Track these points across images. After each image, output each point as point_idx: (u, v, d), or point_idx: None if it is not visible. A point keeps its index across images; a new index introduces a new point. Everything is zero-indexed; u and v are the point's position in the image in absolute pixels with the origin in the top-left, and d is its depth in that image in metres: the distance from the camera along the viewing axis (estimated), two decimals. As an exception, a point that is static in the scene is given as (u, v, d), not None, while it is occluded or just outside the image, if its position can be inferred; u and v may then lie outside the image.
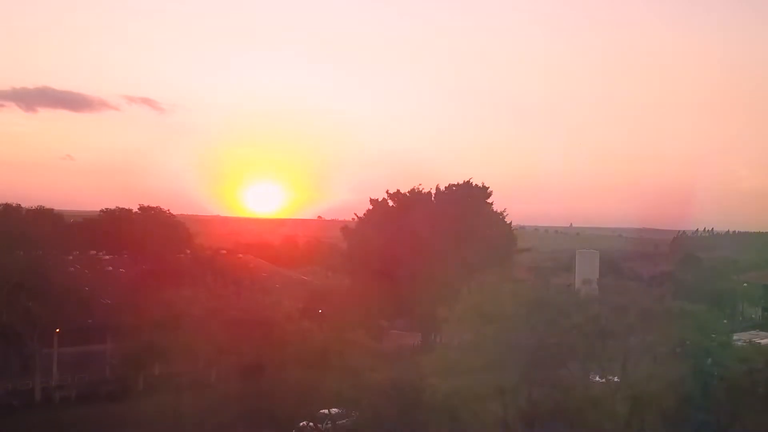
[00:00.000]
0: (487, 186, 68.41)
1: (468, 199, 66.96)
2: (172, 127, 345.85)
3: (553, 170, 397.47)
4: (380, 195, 68.55)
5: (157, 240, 52.49)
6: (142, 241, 52.56)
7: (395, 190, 67.43)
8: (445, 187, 68.19)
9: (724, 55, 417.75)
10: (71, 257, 55.18)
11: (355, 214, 68.89)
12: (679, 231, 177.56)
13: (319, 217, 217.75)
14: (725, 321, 36.80)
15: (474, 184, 68.45)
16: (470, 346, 32.09)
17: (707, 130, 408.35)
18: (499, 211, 68.78)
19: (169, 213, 54.65)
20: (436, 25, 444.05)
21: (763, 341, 39.41)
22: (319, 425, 39.26)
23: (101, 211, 54.28)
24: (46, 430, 41.35)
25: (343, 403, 39.19)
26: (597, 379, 32.04)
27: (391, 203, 67.50)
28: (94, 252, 57.72)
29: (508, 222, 69.48)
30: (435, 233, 62.18)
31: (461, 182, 68.21)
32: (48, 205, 52.80)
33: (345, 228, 69.46)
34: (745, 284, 76.15)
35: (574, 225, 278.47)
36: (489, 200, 68.56)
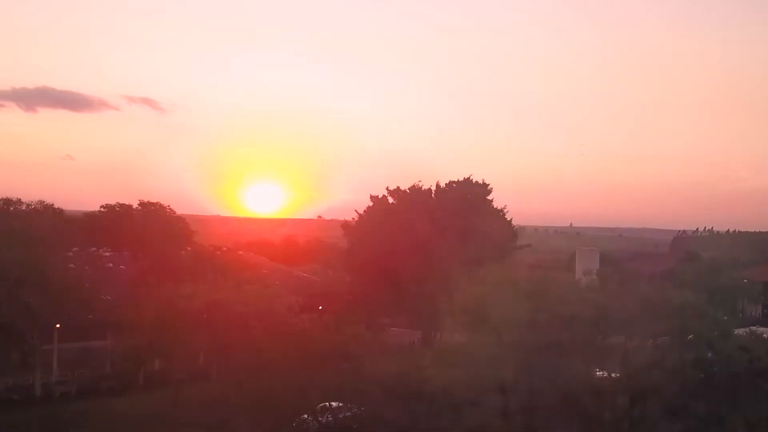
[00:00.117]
0: (487, 183, 68.53)
1: (468, 196, 67.01)
2: (172, 127, 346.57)
3: (553, 170, 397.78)
4: (380, 194, 68.67)
5: (157, 236, 52.41)
6: (142, 238, 52.51)
7: (395, 187, 67.41)
8: (446, 184, 68.28)
9: (724, 55, 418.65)
10: (71, 254, 55.16)
11: (356, 211, 69.01)
12: (679, 231, 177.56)
13: (319, 216, 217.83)
14: (725, 318, 36.57)
15: (474, 181, 68.53)
16: (470, 338, 32.06)
17: (707, 130, 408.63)
18: (499, 207, 68.82)
19: (170, 209, 54.59)
20: (436, 25, 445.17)
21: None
22: (320, 418, 39.33)
23: (101, 206, 54.29)
24: (46, 425, 41.26)
25: (345, 396, 39.28)
26: (598, 372, 32.08)
27: (391, 200, 67.54)
28: (95, 249, 57.76)
29: (508, 219, 69.53)
30: (435, 230, 62.22)
31: (461, 179, 68.24)
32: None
33: (345, 225, 69.50)
34: (745, 280, 76.13)
35: (574, 225, 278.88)
36: (489, 197, 68.62)
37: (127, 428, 39.69)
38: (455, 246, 60.70)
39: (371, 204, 67.94)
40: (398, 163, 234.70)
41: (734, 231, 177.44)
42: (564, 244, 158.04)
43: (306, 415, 39.60)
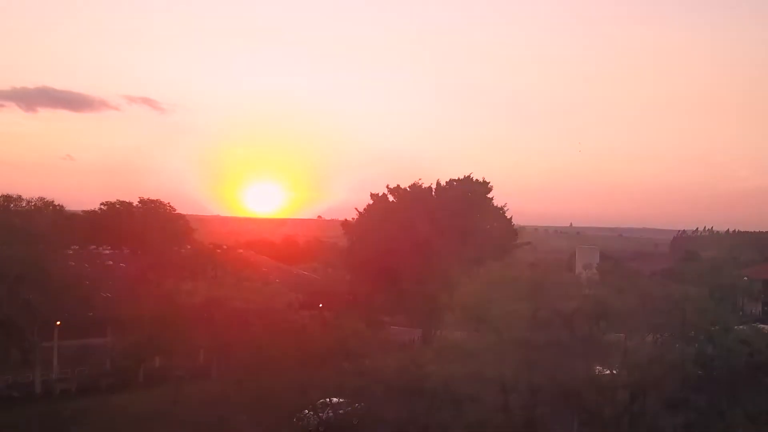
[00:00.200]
0: (487, 181, 68.49)
1: (468, 195, 66.98)
2: (172, 127, 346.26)
3: (553, 170, 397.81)
4: (381, 192, 68.60)
5: (157, 234, 52.41)
6: (142, 235, 52.50)
7: (395, 186, 67.41)
8: (446, 183, 68.27)
9: (724, 55, 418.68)
10: (71, 251, 55.17)
11: (356, 209, 68.98)
12: (679, 230, 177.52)
13: (319, 216, 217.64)
14: (725, 313, 36.52)
15: (474, 179, 68.51)
16: (471, 335, 32.04)
17: (707, 130, 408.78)
18: (499, 206, 68.79)
19: (169, 206, 54.60)
20: (436, 25, 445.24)
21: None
22: (320, 414, 39.30)
23: (101, 203, 54.31)
24: (47, 423, 41.23)
25: (345, 392, 39.26)
26: (600, 369, 32.01)
27: (391, 198, 67.54)
28: (94, 247, 57.76)
29: (508, 217, 69.50)
30: (435, 228, 62.20)
31: (462, 177, 68.22)
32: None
33: (345, 223, 69.46)
34: (745, 278, 76.17)
35: (574, 225, 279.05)
36: (489, 195, 68.59)
37: (128, 425, 39.65)
38: (455, 244, 60.72)
39: (371, 202, 67.91)
40: (398, 163, 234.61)
41: (734, 231, 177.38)
42: (564, 243, 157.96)
43: (306, 411, 39.57)
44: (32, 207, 45.33)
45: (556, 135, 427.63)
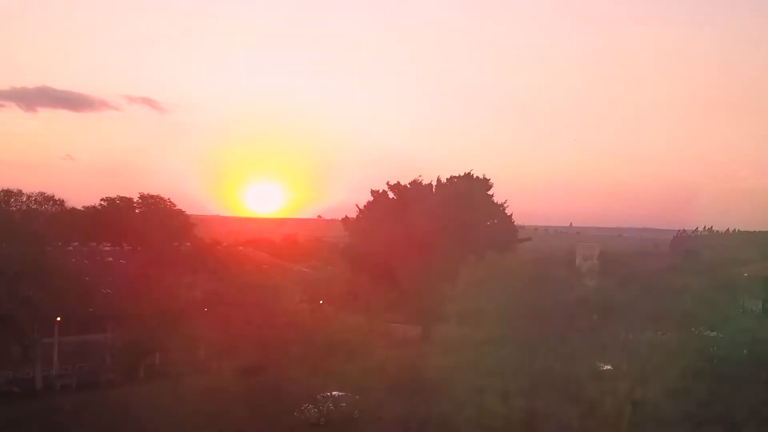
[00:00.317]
0: (488, 178, 68.53)
1: (469, 191, 66.94)
2: (172, 127, 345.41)
3: (553, 170, 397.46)
4: (381, 189, 68.58)
5: (157, 229, 52.36)
6: (142, 231, 52.46)
7: (396, 182, 67.44)
8: (447, 179, 68.29)
9: (724, 55, 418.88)
10: (71, 248, 55.13)
11: (357, 206, 68.93)
12: (679, 230, 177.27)
13: (319, 216, 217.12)
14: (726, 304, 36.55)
15: (475, 176, 68.54)
16: (471, 326, 32.02)
17: (707, 130, 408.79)
18: (499, 203, 68.78)
19: (170, 202, 54.55)
20: (436, 24, 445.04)
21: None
22: (321, 407, 39.35)
23: (102, 199, 54.26)
24: (47, 418, 41.19)
25: (346, 384, 39.32)
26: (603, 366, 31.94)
27: (391, 195, 67.52)
28: (95, 243, 57.71)
29: (508, 214, 69.47)
30: (436, 224, 62.16)
31: (462, 174, 68.27)
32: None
33: (346, 219, 69.39)
34: (745, 275, 76.09)
35: (574, 225, 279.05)
36: (490, 192, 68.62)
37: (128, 419, 39.59)
38: (456, 240, 60.67)
39: (372, 199, 67.89)
40: (398, 163, 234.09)
41: (734, 230, 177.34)
42: (564, 243, 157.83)
43: (307, 404, 39.61)
44: (32, 202, 45.16)
45: (556, 135, 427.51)
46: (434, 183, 68.40)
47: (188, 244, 58.53)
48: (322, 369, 42.08)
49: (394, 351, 43.63)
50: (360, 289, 62.08)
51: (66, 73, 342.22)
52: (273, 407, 40.74)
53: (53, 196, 45.45)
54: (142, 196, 54.25)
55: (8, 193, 44.34)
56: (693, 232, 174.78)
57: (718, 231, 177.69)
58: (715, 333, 31.12)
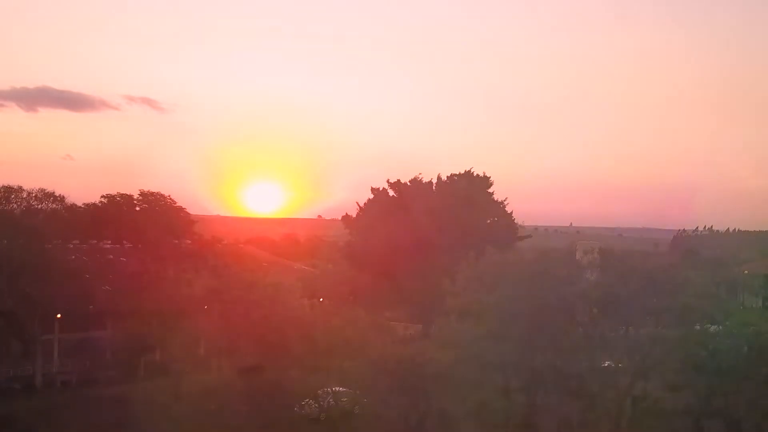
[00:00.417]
0: (488, 176, 68.59)
1: (469, 189, 67.01)
2: (172, 127, 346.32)
3: (553, 169, 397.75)
4: (381, 187, 68.62)
5: (157, 226, 52.34)
6: (143, 228, 52.44)
7: (396, 180, 67.51)
8: (447, 177, 68.37)
9: (724, 55, 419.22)
10: (72, 246, 55.13)
11: (357, 204, 68.98)
12: (679, 230, 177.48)
13: (319, 216, 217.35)
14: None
15: (475, 174, 68.61)
16: (472, 317, 32.00)
17: (707, 130, 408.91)
18: (499, 200, 68.83)
19: (170, 198, 54.52)
20: (436, 24, 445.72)
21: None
22: (321, 402, 39.34)
23: (102, 196, 54.26)
24: (46, 413, 41.28)
25: (346, 379, 39.30)
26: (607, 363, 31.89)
27: (391, 193, 67.60)
28: (95, 241, 57.69)
29: (509, 212, 69.50)
30: (435, 222, 62.24)
31: (462, 172, 68.35)
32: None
33: (346, 217, 69.44)
34: (746, 272, 76.26)
35: (574, 225, 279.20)
36: (490, 190, 68.66)
37: (127, 416, 39.61)
38: (456, 238, 60.73)
39: (372, 197, 67.95)
40: (399, 163, 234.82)
41: (734, 230, 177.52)
42: (564, 242, 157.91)
43: (308, 400, 39.63)
44: (33, 198, 45.20)
45: (556, 134, 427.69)
46: (434, 181, 68.42)
47: (188, 241, 58.50)
48: (323, 365, 42.05)
49: (394, 347, 43.50)
50: (360, 287, 62.07)
51: (66, 73, 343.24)
52: (273, 403, 40.78)
53: (53, 193, 45.46)
54: (142, 193, 54.27)
55: (8, 190, 44.35)
56: (693, 231, 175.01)
57: (718, 231, 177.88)
58: (716, 327, 31.09)
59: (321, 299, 58.54)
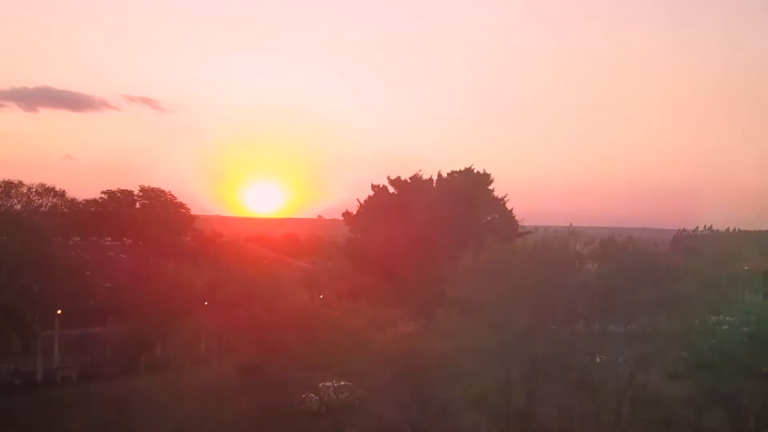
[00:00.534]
0: (488, 173, 68.56)
1: (469, 186, 66.97)
2: (172, 127, 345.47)
3: (553, 169, 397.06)
4: (381, 185, 68.57)
5: (158, 223, 52.35)
6: (143, 224, 52.44)
7: (396, 177, 67.44)
8: (447, 174, 68.33)
9: (724, 55, 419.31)
10: (72, 242, 55.14)
11: (357, 200, 68.95)
12: (679, 229, 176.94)
13: (319, 216, 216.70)
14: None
15: (476, 171, 68.56)
16: (473, 308, 31.92)
17: (707, 130, 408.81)
18: (499, 197, 68.77)
19: (170, 194, 54.52)
20: (436, 23, 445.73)
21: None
22: (321, 396, 39.35)
23: (102, 192, 54.25)
24: (47, 408, 41.27)
25: (346, 372, 39.29)
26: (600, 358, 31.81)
27: (392, 190, 67.55)
28: (95, 238, 57.71)
29: (509, 208, 69.44)
30: (436, 219, 62.18)
31: (463, 169, 68.30)
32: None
33: (347, 214, 69.37)
34: (746, 268, 75.97)
35: (573, 224, 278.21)
36: (490, 187, 68.62)
37: (127, 410, 39.58)
38: (456, 234, 60.68)
39: (372, 194, 67.91)
40: (398, 163, 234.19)
41: (734, 229, 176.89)
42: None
43: (308, 393, 39.63)
44: (33, 193, 45.22)
45: (556, 134, 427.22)
46: (435, 178, 68.39)
47: (188, 238, 58.53)
48: (323, 360, 42.03)
49: (395, 342, 43.48)
50: (360, 283, 61.98)
51: (66, 73, 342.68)
52: (274, 397, 40.80)
53: (54, 188, 45.43)
54: (142, 189, 54.21)
55: (9, 185, 44.34)
56: (693, 231, 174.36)
57: (718, 230, 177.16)
58: (717, 318, 31.01)
59: (321, 296, 58.50)
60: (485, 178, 68.53)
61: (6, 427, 38.46)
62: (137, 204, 54.55)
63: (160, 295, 47.60)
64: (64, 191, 46.02)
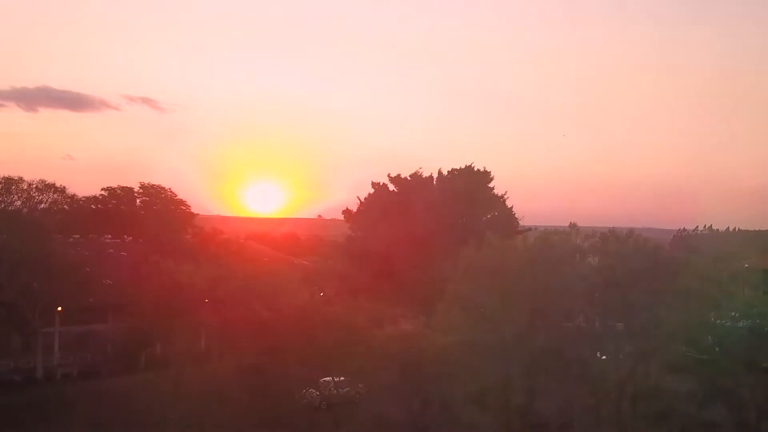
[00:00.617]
0: (488, 170, 68.55)
1: (470, 183, 66.95)
2: (172, 127, 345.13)
3: (553, 168, 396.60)
4: (381, 182, 68.59)
5: (158, 220, 52.37)
6: (143, 221, 52.46)
7: (396, 174, 67.46)
8: (447, 172, 68.33)
9: (725, 55, 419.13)
10: (72, 240, 55.14)
11: (358, 197, 68.95)
12: (679, 229, 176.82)
13: (319, 216, 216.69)
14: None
15: (476, 168, 68.56)
16: (473, 302, 31.92)
17: (707, 130, 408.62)
18: (499, 194, 68.79)
19: (170, 191, 54.55)
20: (436, 23, 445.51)
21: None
22: (322, 391, 39.37)
23: (103, 189, 54.25)
24: (47, 404, 41.29)
25: (347, 370, 39.32)
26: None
27: (392, 187, 67.55)
28: (95, 236, 57.72)
29: (509, 206, 69.43)
30: (436, 216, 62.18)
31: (463, 167, 68.31)
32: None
33: (347, 211, 69.37)
34: (746, 265, 75.97)
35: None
36: (491, 185, 68.61)
37: (127, 406, 39.60)
38: (456, 231, 60.67)
39: (372, 191, 67.91)
40: (399, 163, 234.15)
41: (734, 229, 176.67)
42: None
43: (309, 388, 39.65)
44: (33, 189, 45.24)
45: (557, 134, 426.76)
46: (435, 176, 68.39)
47: (189, 236, 58.52)
48: (324, 356, 42.04)
49: (395, 338, 43.54)
50: (361, 280, 61.97)
51: (66, 73, 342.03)
52: (274, 393, 40.72)
53: (54, 184, 45.43)
54: (142, 186, 54.21)
55: (9, 181, 44.35)
56: (693, 231, 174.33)
57: (717, 230, 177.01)
58: (718, 311, 31.02)
59: (321, 294, 58.45)
60: (485, 176, 68.54)
61: (6, 424, 38.46)
62: (137, 201, 54.47)
63: (160, 292, 47.55)
64: (64, 187, 46.11)
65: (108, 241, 57.56)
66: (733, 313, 30.33)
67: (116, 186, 54.40)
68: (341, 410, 38.11)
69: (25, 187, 44.92)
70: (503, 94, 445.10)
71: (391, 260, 61.27)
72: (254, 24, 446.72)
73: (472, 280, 31.72)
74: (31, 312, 45.90)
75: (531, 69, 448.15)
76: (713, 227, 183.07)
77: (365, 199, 68.00)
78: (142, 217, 52.66)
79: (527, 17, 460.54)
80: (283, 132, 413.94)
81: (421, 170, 67.84)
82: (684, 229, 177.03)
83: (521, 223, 70.18)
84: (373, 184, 67.78)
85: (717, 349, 28.82)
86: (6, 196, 44.78)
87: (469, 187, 66.93)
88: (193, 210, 63.17)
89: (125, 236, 56.27)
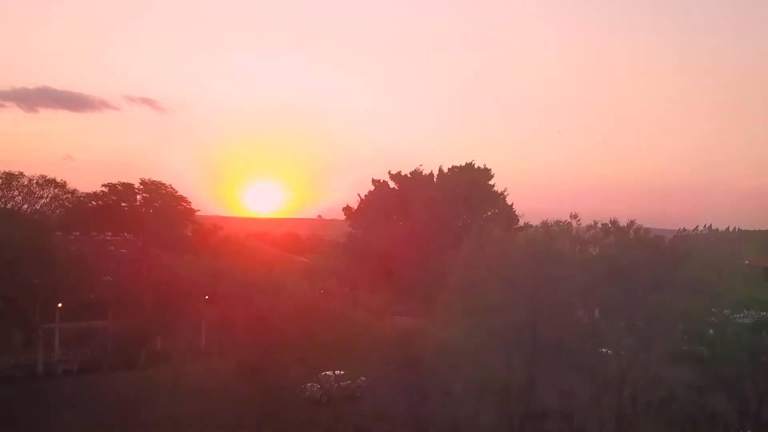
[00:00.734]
0: (489, 168, 68.56)
1: (470, 180, 66.95)
2: (172, 127, 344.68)
3: (553, 167, 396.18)
4: (381, 179, 68.58)
5: (159, 216, 52.39)
6: (143, 217, 52.49)
7: (397, 172, 67.49)
8: (448, 169, 68.34)
9: (725, 55, 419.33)
10: (72, 237, 55.12)
11: (358, 195, 68.94)
12: (679, 229, 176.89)
13: (319, 216, 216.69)
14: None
15: (476, 166, 68.59)
16: (473, 295, 31.88)
17: (707, 130, 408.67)
18: (500, 191, 68.75)
19: (171, 187, 54.56)
20: (435, 23, 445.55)
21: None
22: (323, 385, 39.35)
23: (103, 185, 54.23)
24: (46, 399, 41.27)
25: (348, 364, 39.34)
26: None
27: (392, 184, 67.56)
28: (96, 233, 57.70)
29: (509, 203, 69.39)
30: (436, 213, 62.17)
31: (463, 164, 68.35)
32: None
33: (347, 209, 69.35)
34: (746, 262, 76.10)
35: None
36: (491, 182, 68.61)
37: (127, 401, 39.57)
38: (456, 228, 60.70)
39: (373, 189, 67.90)
40: (399, 163, 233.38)
41: (734, 228, 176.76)
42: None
43: (309, 383, 39.62)
44: (34, 185, 45.26)
45: (556, 134, 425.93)
46: (435, 173, 68.39)
47: (189, 232, 58.56)
48: (324, 351, 42.06)
49: (395, 332, 43.63)
50: (361, 277, 62.02)
51: (66, 73, 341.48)
52: (275, 387, 40.65)
53: (54, 179, 45.45)
54: (143, 182, 54.21)
55: (10, 176, 44.36)
56: (693, 230, 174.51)
57: (717, 229, 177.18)
58: (720, 301, 31.03)
59: (322, 291, 58.52)
60: (486, 173, 68.55)
61: (7, 419, 38.44)
62: (138, 197, 54.49)
63: (160, 288, 47.73)
64: (65, 182, 46.06)
65: (108, 237, 57.56)
66: (734, 306, 30.30)
67: (116, 182, 54.32)
68: (342, 403, 38.05)
69: (26, 183, 44.89)
70: (503, 93, 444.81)
71: (391, 257, 61.23)
72: (254, 24, 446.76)
73: (473, 271, 31.71)
74: (32, 308, 45.90)
75: (531, 68, 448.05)
76: (713, 227, 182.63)
77: (365, 196, 67.98)
78: (143, 213, 52.64)
79: (527, 17, 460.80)
80: (283, 132, 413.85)
81: (421, 167, 67.90)
82: (684, 229, 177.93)
83: (521, 220, 70.21)
84: (374, 182, 67.80)
85: (719, 339, 28.75)
86: (6, 191, 44.71)
87: (469, 185, 66.93)
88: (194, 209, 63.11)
89: (126, 233, 56.28)
